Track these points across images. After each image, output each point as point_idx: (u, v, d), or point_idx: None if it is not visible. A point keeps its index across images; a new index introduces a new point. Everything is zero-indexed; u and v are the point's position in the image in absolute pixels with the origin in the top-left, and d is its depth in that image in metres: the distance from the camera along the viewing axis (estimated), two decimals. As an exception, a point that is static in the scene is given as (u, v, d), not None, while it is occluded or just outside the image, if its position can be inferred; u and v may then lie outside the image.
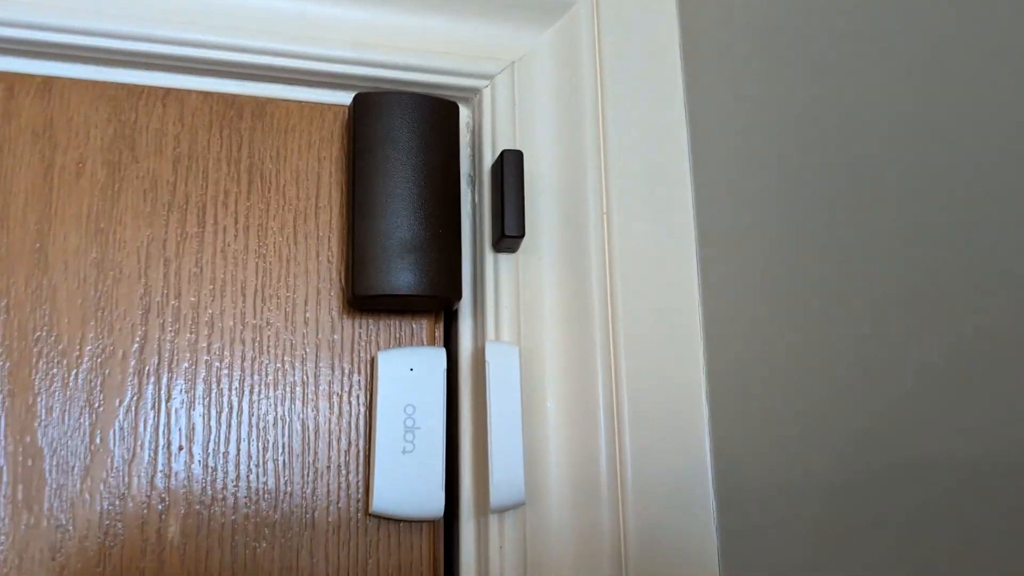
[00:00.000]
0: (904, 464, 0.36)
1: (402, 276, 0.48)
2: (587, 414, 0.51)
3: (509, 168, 0.50)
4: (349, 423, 0.51)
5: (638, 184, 0.53)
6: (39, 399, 0.46)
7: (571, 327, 0.52)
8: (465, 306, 0.53)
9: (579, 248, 0.53)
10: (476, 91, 0.55)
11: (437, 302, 0.50)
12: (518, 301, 0.52)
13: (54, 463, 0.46)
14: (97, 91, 0.50)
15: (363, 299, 0.49)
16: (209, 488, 0.48)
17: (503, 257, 0.53)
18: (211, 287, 0.50)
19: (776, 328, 0.46)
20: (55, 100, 0.49)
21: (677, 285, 0.53)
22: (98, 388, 0.47)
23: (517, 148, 0.52)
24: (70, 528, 0.45)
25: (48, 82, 0.49)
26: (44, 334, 0.47)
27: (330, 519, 0.50)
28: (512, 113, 0.54)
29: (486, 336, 0.51)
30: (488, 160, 0.53)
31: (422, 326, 0.53)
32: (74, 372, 0.47)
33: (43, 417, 0.46)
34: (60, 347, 0.47)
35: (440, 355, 0.51)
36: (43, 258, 0.48)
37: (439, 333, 0.54)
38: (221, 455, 0.49)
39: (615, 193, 0.53)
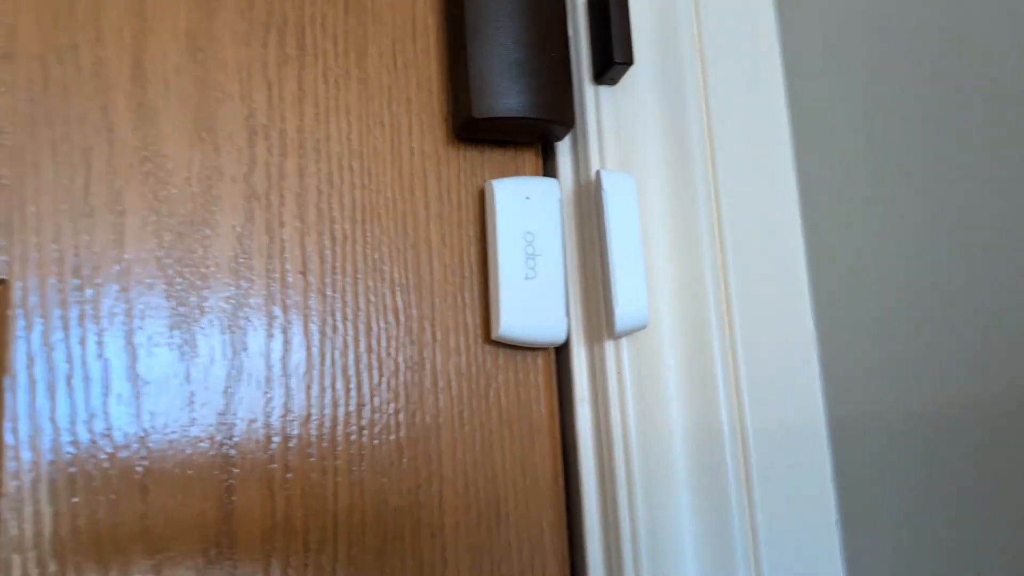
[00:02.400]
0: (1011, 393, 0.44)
1: (521, 98, 0.55)
2: (691, 249, 0.59)
3: (613, -6, 0.59)
4: (462, 255, 0.57)
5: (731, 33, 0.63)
6: (150, 219, 0.50)
7: (674, 162, 0.60)
8: (564, 140, 0.60)
9: (676, 82, 0.61)
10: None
11: (546, 129, 0.57)
12: (619, 135, 0.60)
13: (175, 283, 0.49)
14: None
15: (472, 126, 0.55)
16: (329, 317, 0.53)
17: (603, 89, 0.61)
18: (315, 111, 0.55)
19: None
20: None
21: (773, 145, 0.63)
22: (211, 212, 0.51)
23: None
24: (189, 346, 0.49)
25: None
26: (151, 155, 0.51)
27: (451, 346, 0.55)
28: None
29: (590, 170, 0.59)
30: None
31: (525, 159, 0.60)
32: (185, 194, 0.51)
33: (157, 241, 0.50)
34: (168, 168, 0.51)
35: (554, 185, 0.57)
36: (141, 75, 0.52)
37: (541, 165, 0.61)
38: (339, 283, 0.54)
39: (707, 29, 0.63)
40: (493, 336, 0.55)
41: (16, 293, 0.47)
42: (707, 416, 0.56)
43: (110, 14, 0.51)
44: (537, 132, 0.57)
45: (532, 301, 0.55)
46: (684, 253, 0.58)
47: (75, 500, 0.46)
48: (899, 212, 0.53)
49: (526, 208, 0.56)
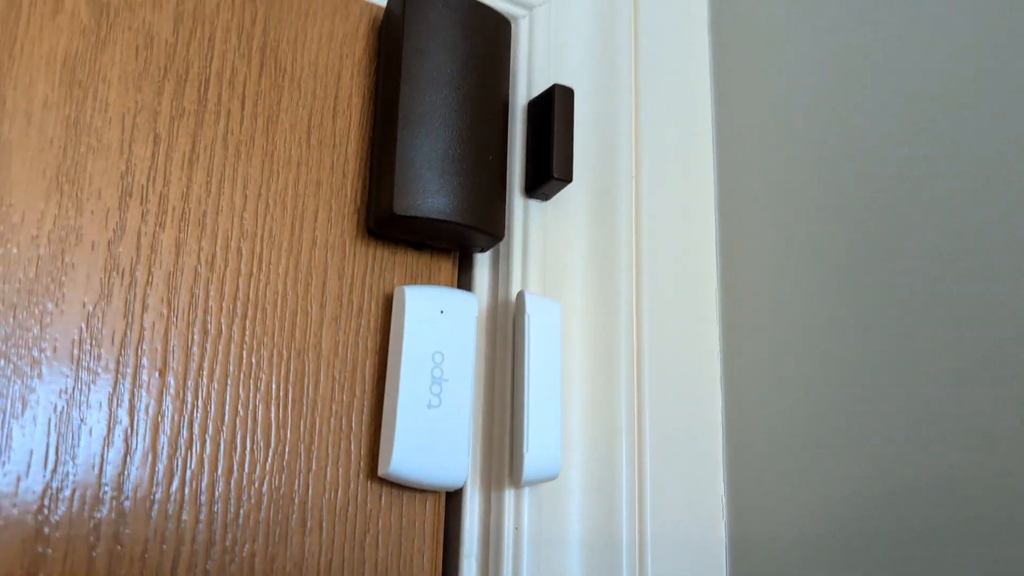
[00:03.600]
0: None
1: (450, 200, 0.51)
2: (608, 385, 0.56)
3: (561, 105, 0.56)
4: (355, 369, 0.51)
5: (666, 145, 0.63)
6: (-26, 285, 0.42)
7: (599, 288, 0.58)
8: (485, 252, 0.56)
9: (610, 206, 0.59)
10: (514, 19, 0.60)
11: (471, 239, 0.53)
12: (544, 254, 0.57)
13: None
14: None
15: (390, 223, 0.50)
16: (185, 430, 0.46)
17: (533, 203, 0.58)
18: (207, 178, 0.49)
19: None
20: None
21: (698, 266, 0.62)
22: (59, 282, 0.44)
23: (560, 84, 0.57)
24: (5, 457, 0.41)
25: None
26: (-9, 200, 0.43)
27: (328, 478, 0.49)
28: (548, 48, 0.61)
29: (510, 288, 0.55)
30: (521, 96, 0.59)
31: (440, 267, 0.56)
32: (29, 257, 0.43)
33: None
34: (12, 221, 0.44)
35: (472, 300, 0.53)
36: (-3, 103, 0.44)
37: (456, 276, 0.56)
38: (203, 389, 0.47)
39: (646, 155, 0.62)
40: (380, 472, 0.49)
41: None
42: (615, 591, 0.52)
43: (-30, 24, 0.44)
44: (460, 240, 0.53)
45: (432, 435, 0.50)
46: (600, 389, 0.56)
47: None
48: (817, 348, 0.55)
49: (438, 323, 0.51)
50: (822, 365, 0.54)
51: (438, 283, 0.55)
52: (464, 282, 0.57)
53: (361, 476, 0.50)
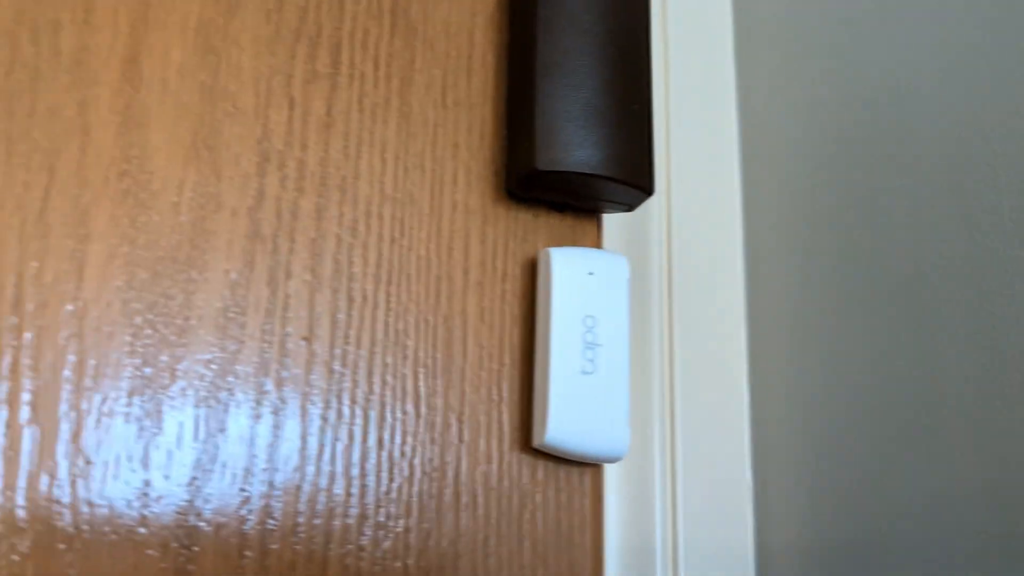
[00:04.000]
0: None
1: (597, 152, 0.48)
2: (643, 384, 0.53)
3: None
4: (502, 336, 0.49)
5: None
6: (120, 249, 0.41)
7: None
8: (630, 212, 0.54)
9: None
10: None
11: (619, 195, 0.50)
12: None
13: (143, 335, 0.40)
14: None
15: (532, 180, 0.48)
16: (335, 400, 0.44)
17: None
18: (344, 143, 0.48)
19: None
20: None
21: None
22: (201, 249, 0.43)
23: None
24: (152, 418, 0.40)
25: None
26: (133, 168, 0.43)
27: (480, 450, 0.47)
28: None
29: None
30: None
31: (584, 230, 0.53)
32: (171, 224, 0.43)
33: (126, 279, 0.41)
34: (152, 188, 0.43)
35: (622, 262, 0.50)
36: (136, 71, 0.44)
37: (601, 240, 0.54)
38: (351, 357, 0.45)
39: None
40: (535, 443, 0.46)
41: (-68, 326, 0.38)
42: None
43: (106, -6, 0.44)
44: (607, 196, 0.50)
45: (589, 402, 0.47)
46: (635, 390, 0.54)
47: (-31, 616, 0.36)
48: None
49: (588, 286, 0.48)
50: (847, 369, 0.52)
51: (583, 246, 0.52)
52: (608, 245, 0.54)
53: (516, 449, 0.47)
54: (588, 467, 0.49)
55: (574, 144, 0.47)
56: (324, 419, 0.44)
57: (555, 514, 0.47)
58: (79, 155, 0.41)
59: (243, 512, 0.41)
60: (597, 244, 0.53)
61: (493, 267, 0.49)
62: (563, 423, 0.46)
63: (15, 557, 0.37)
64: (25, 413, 0.38)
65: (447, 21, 0.52)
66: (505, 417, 0.47)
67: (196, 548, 0.40)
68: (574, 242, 0.52)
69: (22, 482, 0.37)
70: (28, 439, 0.38)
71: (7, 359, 0.38)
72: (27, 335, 0.39)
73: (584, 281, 0.48)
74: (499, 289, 0.49)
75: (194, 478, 0.40)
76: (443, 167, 0.49)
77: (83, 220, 0.41)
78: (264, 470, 0.42)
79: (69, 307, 0.40)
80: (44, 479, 0.38)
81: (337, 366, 0.44)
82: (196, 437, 0.41)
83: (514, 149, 0.49)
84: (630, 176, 0.48)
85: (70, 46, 0.42)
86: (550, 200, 0.51)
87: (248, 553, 0.41)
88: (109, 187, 0.42)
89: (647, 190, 0.49)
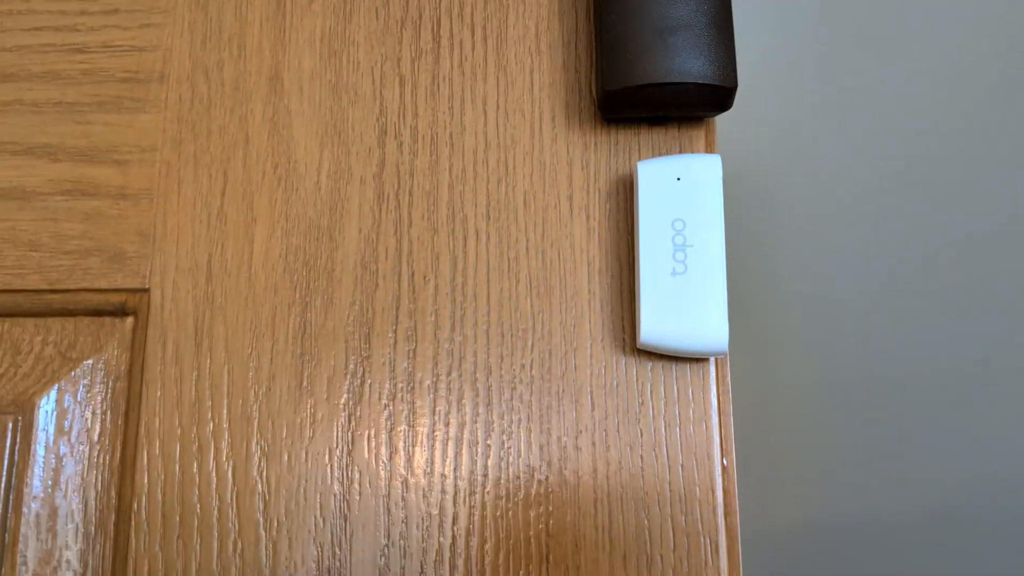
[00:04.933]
0: None
1: (663, 60, 0.52)
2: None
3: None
4: (609, 251, 0.54)
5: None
6: (279, 224, 0.55)
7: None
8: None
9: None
10: None
11: (698, 98, 0.53)
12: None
13: (297, 287, 0.54)
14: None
15: (611, 102, 0.53)
16: (458, 325, 0.54)
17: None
18: (449, 104, 0.57)
19: None
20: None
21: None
22: (339, 213, 0.55)
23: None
24: (316, 357, 0.53)
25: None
26: (283, 160, 0.56)
27: (593, 359, 0.53)
28: None
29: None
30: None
31: (690, 138, 0.56)
32: (313, 199, 0.55)
33: (282, 249, 0.54)
34: (299, 172, 0.56)
35: (714, 162, 0.53)
36: (278, 84, 0.57)
37: (710, 146, 0.56)
38: (471, 288, 0.54)
39: None
40: (638, 344, 0.51)
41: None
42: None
43: (252, 30, 0.57)
44: (691, 101, 0.53)
45: (681, 301, 0.50)
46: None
47: (199, 502, 0.51)
48: None
49: (676, 191, 0.52)
50: None
51: (690, 152, 0.55)
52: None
53: (627, 352, 0.52)
54: (700, 363, 0.52)
55: (640, 56, 0.51)
56: (451, 341, 0.53)
57: (673, 409, 0.52)
58: (243, 158, 0.55)
59: (389, 423, 0.52)
60: (707, 150, 0.55)
61: (596, 190, 0.55)
62: (655, 323, 0.50)
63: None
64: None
65: (536, -26, 0.58)
66: (615, 325, 0.53)
67: (353, 492, 0.51)
68: (680, 151, 0.55)
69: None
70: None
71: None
72: (217, 299, 0.53)
73: (671, 187, 0.52)
74: (605, 208, 0.54)
75: (347, 400, 0.52)
76: (542, 107, 0.56)
77: (250, 207, 0.54)
78: (401, 388, 0.52)
79: (244, 274, 0.54)
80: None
81: (458, 297, 0.53)
82: (346, 368, 0.52)
83: (595, 76, 0.54)
84: (704, 77, 0.51)
85: (231, 76, 0.56)
86: (644, 116, 0.55)
87: (385, 458, 0.51)
88: (266, 178, 0.55)
89: (726, 84, 0.51)
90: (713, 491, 0.51)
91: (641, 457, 0.51)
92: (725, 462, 0.51)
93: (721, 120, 0.58)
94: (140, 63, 0.57)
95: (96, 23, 0.57)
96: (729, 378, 0.53)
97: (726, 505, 0.51)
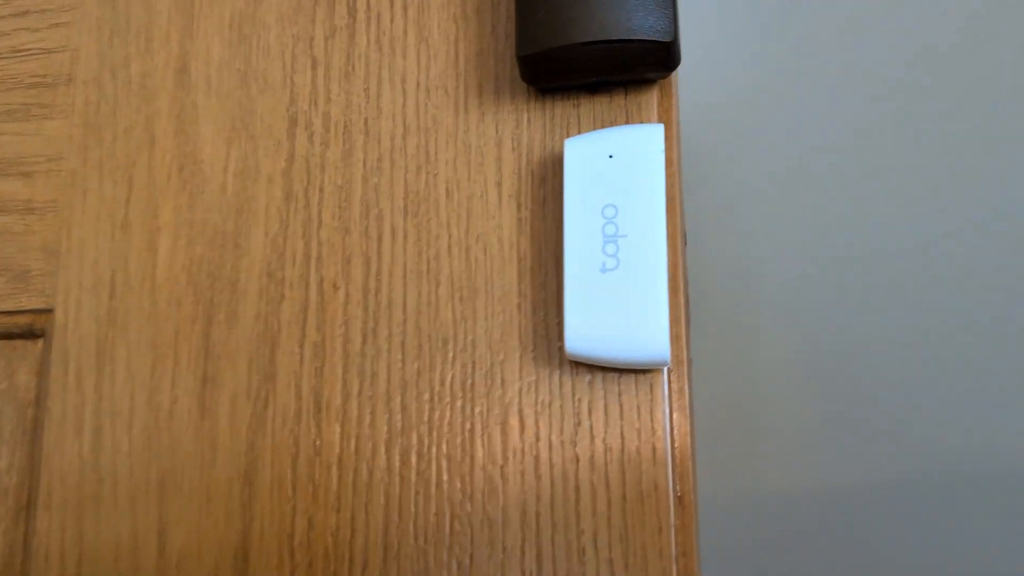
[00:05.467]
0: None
1: (585, 16, 0.43)
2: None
3: None
4: (543, 245, 0.47)
5: None
6: (181, 231, 0.50)
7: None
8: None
9: None
10: None
11: (643, 59, 0.44)
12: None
13: (200, 300, 0.49)
14: None
15: (536, 69, 0.44)
16: (370, 335, 0.47)
17: None
18: (365, 85, 0.50)
19: None
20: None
21: None
22: (243, 218, 0.50)
23: None
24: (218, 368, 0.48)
25: None
26: (189, 161, 0.52)
27: (523, 372, 0.46)
28: None
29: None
30: None
31: (639, 105, 0.48)
32: (218, 202, 0.50)
33: (186, 260, 0.50)
34: (205, 173, 0.51)
35: (654, 133, 0.44)
36: (186, 77, 0.53)
37: (663, 113, 0.48)
38: (385, 294, 0.48)
39: None
40: (566, 354, 0.44)
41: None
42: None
43: (160, 20, 0.53)
44: (626, 64, 0.44)
45: (611, 303, 0.42)
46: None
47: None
48: None
49: (607, 171, 0.43)
50: None
51: (643, 122, 0.47)
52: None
53: (562, 363, 0.45)
54: (650, 375, 0.44)
55: (557, 17, 0.43)
56: (362, 355, 0.47)
57: (617, 430, 0.44)
58: (148, 162, 0.51)
59: (294, 450, 0.46)
60: (661, 119, 0.47)
61: (529, 173, 0.47)
62: (582, 329, 0.42)
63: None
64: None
65: (461, -71, 0.51)
66: (548, 331, 0.45)
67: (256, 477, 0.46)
68: (627, 122, 0.47)
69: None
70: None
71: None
72: (119, 317, 0.49)
73: (602, 166, 0.44)
74: (538, 195, 0.47)
75: (255, 414, 0.47)
76: (467, 81, 0.49)
77: (154, 215, 0.50)
78: (306, 409, 0.46)
79: (147, 288, 0.49)
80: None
81: (371, 304, 0.47)
82: (249, 380, 0.47)
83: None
84: (629, 32, 0.43)
85: (138, 72, 0.52)
86: (580, 84, 0.47)
87: (289, 491, 0.46)
88: (171, 182, 0.50)
89: (660, 39, 0.43)
90: (662, 529, 0.42)
91: (577, 489, 0.43)
92: (680, 492, 0.43)
93: (688, 83, 0.50)
94: (48, 66, 0.53)
95: (7, 27, 0.55)
96: (688, 392, 0.44)
97: (680, 545, 0.42)
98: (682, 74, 0.49)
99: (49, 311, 0.50)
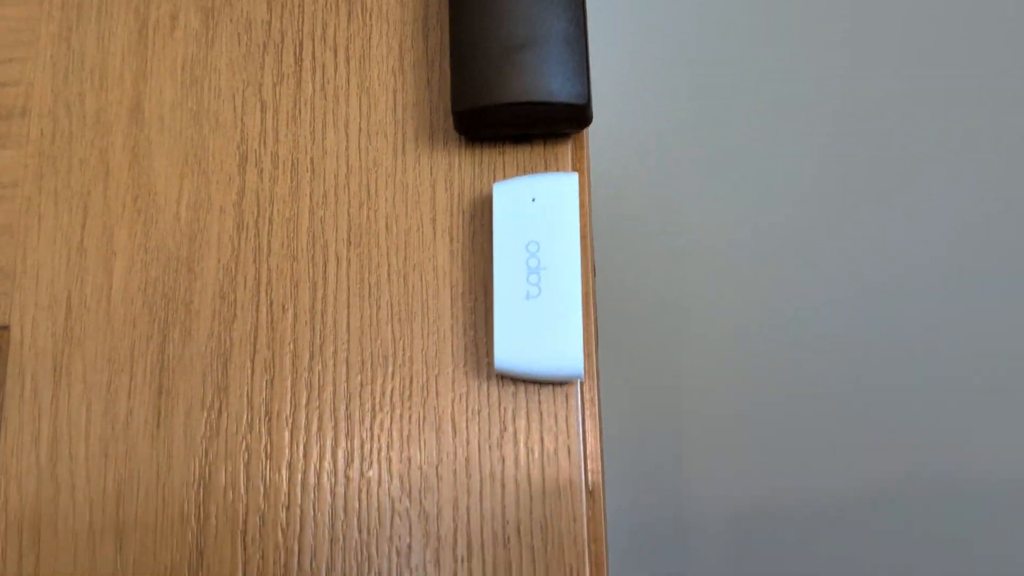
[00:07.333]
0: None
1: (513, 80, 0.53)
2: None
3: None
4: (473, 274, 0.55)
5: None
6: (136, 256, 0.56)
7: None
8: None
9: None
10: None
11: (561, 117, 0.54)
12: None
13: (156, 319, 0.55)
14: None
15: (468, 122, 0.53)
16: (317, 353, 0.55)
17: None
18: (311, 128, 0.58)
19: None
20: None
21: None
22: (198, 243, 0.57)
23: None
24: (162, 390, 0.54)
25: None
26: (143, 192, 0.58)
27: (455, 384, 0.54)
28: None
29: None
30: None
31: (556, 155, 0.57)
32: (172, 230, 0.57)
33: (142, 282, 0.56)
34: (158, 204, 0.58)
35: (570, 181, 0.53)
36: (139, 115, 0.59)
37: (577, 162, 0.57)
38: (331, 315, 0.55)
39: None
40: (494, 369, 0.52)
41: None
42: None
43: (115, 61, 0.59)
44: (544, 121, 0.54)
45: (534, 325, 0.51)
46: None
47: (55, 542, 0.53)
48: None
49: (530, 212, 0.53)
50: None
51: (559, 171, 0.56)
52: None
53: (489, 377, 0.53)
54: (566, 388, 0.53)
55: (489, 77, 0.52)
56: (310, 370, 0.54)
57: (538, 435, 0.52)
58: (104, 191, 0.57)
59: (245, 457, 0.53)
60: (575, 167, 0.56)
61: (460, 211, 0.56)
62: (509, 348, 0.51)
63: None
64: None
65: (399, -8, 0.59)
66: (477, 348, 0.54)
67: (204, 489, 0.53)
68: (545, 169, 0.56)
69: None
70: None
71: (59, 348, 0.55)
72: (75, 334, 0.55)
73: (526, 208, 0.53)
74: (469, 230, 0.55)
75: (205, 434, 0.53)
76: (405, 128, 0.57)
77: (110, 241, 0.56)
78: (259, 420, 0.53)
79: (104, 308, 0.55)
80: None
81: (317, 325, 0.55)
82: (203, 404, 0.54)
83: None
84: (550, 95, 0.52)
85: (92, 108, 0.58)
86: (505, 135, 0.56)
87: (242, 491, 0.53)
88: (127, 211, 0.57)
89: (576, 101, 0.52)
90: (576, 519, 0.51)
91: (503, 485, 0.52)
92: (591, 487, 0.52)
93: (601, 133, 0.59)
94: (1, 99, 0.59)
95: (-40, 59, 0.59)
96: (599, 401, 0.54)
97: (590, 532, 0.51)
98: (593, 130, 0.58)
99: (5, 328, 0.55)
